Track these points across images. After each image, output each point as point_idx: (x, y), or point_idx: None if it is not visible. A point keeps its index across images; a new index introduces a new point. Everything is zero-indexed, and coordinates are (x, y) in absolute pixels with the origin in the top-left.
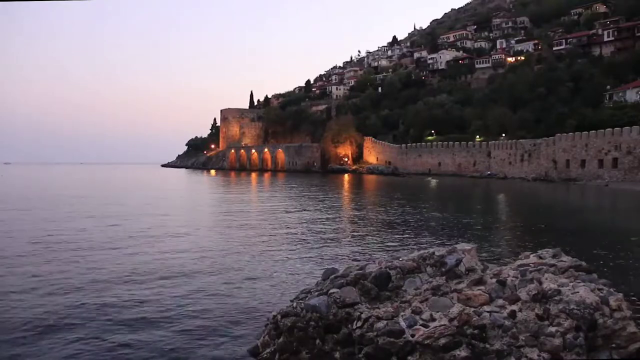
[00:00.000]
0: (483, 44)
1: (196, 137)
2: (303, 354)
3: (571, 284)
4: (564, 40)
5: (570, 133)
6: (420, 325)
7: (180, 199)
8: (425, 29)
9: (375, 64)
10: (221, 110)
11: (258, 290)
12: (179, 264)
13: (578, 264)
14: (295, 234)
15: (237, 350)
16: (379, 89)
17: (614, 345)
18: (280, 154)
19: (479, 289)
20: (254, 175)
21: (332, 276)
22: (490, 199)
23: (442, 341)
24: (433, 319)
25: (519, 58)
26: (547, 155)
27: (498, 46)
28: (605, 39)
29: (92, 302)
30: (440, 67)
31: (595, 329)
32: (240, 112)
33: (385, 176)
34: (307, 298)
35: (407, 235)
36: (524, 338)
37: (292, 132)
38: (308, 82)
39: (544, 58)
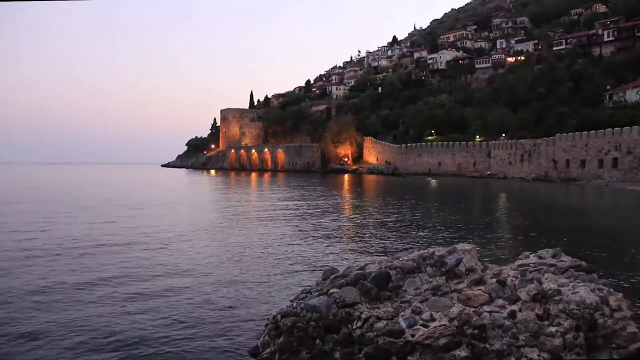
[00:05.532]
0: (483, 44)
1: (196, 137)
2: (303, 354)
3: (571, 284)
4: (564, 40)
5: (570, 133)
6: (420, 325)
7: (179, 198)
8: (425, 29)
9: (375, 64)
10: (221, 110)
11: (258, 290)
12: (178, 264)
13: (578, 264)
14: (295, 233)
15: (237, 350)
16: (379, 89)
17: (614, 345)
18: (280, 154)
19: (479, 289)
20: (254, 175)
21: (332, 276)
22: (490, 199)
23: (442, 341)
24: (433, 319)
25: (519, 58)
26: (547, 155)
27: (498, 46)
28: (605, 39)
29: (90, 301)
30: (440, 67)
31: (595, 329)
32: (240, 112)
33: (385, 176)
34: (307, 298)
35: (407, 235)
36: (524, 338)
37: (292, 132)
38: (308, 82)
39: (544, 58)
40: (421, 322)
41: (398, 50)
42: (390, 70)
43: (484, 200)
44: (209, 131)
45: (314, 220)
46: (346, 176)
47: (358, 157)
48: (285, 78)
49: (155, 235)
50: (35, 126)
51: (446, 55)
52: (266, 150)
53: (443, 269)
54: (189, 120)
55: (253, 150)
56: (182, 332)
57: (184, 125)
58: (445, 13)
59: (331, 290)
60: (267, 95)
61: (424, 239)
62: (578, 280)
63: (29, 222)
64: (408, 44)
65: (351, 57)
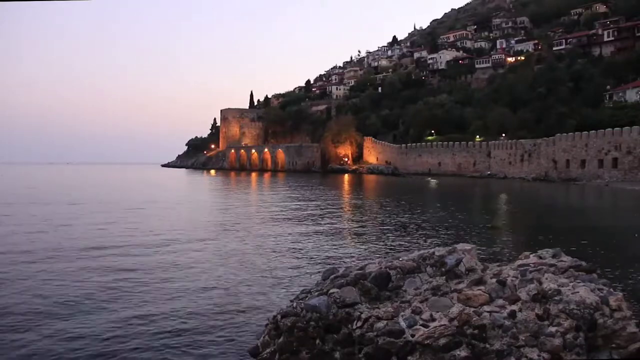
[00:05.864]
0: (483, 44)
1: (196, 137)
2: (303, 354)
3: (571, 284)
4: (564, 40)
5: (570, 133)
6: (420, 325)
7: (179, 198)
8: (425, 29)
9: (375, 64)
10: (221, 110)
11: (258, 290)
12: (178, 264)
13: (578, 264)
14: (295, 233)
15: (237, 350)
16: (379, 89)
17: (614, 345)
18: (280, 154)
19: (479, 289)
20: (254, 175)
21: (332, 276)
22: (491, 199)
23: (442, 341)
24: (433, 319)
25: (519, 58)
26: (547, 155)
27: (498, 46)
28: (605, 39)
29: (89, 300)
30: (440, 67)
31: (595, 329)
32: (240, 112)
33: (385, 176)
34: (307, 298)
35: (407, 235)
36: (524, 338)
37: (292, 132)
38: (308, 82)
39: (544, 58)
40: (421, 322)
41: (398, 50)
42: (390, 70)
43: (484, 200)
44: (209, 131)
45: (314, 220)
46: (346, 176)
47: (358, 157)
48: (285, 78)
49: (155, 236)
50: (35, 126)
51: (446, 55)
52: (266, 150)
53: (443, 269)
54: (189, 120)
55: (253, 150)
56: (181, 331)
57: (184, 125)
58: (445, 13)
59: (331, 290)
60: (267, 95)
61: (424, 239)
62: (578, 280)
63: (29, 222)
64: (408, 44)
65: (351, 57)
